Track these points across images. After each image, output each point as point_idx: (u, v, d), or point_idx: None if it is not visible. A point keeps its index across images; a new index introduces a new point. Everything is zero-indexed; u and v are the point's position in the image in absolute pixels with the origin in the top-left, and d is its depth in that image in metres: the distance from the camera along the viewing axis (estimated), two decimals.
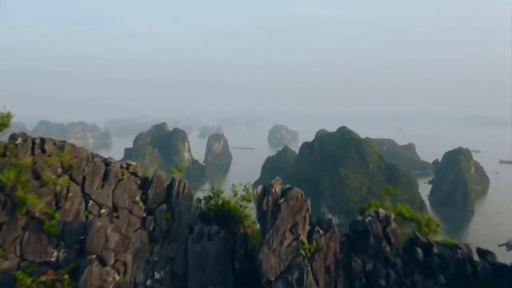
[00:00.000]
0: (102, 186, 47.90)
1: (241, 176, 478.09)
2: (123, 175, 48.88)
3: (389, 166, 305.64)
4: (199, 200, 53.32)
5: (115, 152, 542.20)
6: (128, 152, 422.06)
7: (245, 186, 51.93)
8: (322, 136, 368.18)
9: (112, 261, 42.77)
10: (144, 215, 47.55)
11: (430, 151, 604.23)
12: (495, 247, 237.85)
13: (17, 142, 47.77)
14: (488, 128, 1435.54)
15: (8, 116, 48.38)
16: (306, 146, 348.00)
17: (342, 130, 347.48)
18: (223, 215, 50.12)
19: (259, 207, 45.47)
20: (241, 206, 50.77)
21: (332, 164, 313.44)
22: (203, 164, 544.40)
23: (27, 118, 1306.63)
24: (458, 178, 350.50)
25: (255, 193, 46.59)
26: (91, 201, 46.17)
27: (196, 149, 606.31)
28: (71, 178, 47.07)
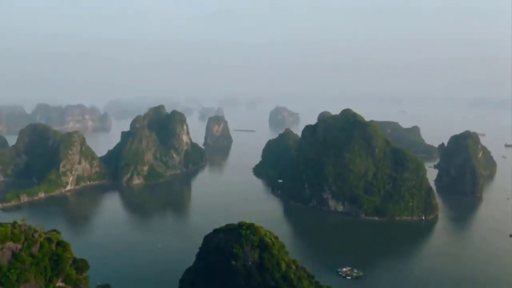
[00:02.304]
0: None
1: (242, 160, 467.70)
2: None
3: (395, 151, 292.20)
4: None
5: (114, 135, 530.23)
6: (125, 136, 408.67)
7: None
8: (325, 118, 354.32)
9: None
10: None
11: (435, 134, 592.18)
12: (506, 237, 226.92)
13: None
14: (490, 110, 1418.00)
15: None
16: (308, 129, 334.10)
17: (346, 113, 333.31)
18: None
19: None
20: None
21: (336, 148, 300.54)
22: (203, 147, 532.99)
23: (26, 102, 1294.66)
24: (466, 163, 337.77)
25: None
26: None
27: (197, 132, 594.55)
28: None
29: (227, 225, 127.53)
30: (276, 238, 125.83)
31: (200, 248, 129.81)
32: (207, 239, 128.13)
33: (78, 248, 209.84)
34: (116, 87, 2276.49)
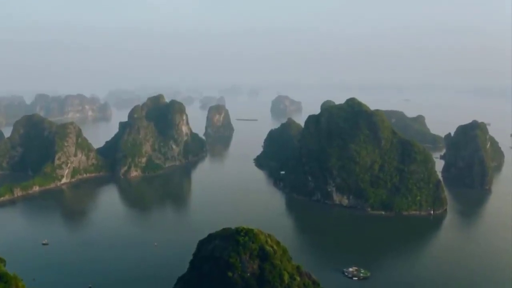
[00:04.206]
0: None
1: (243, 150, 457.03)
2: None
3: (403, 142, 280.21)
4: None
5: (114, 125, 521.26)
6: (122, 126, 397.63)
7: None
8: (329, 108, 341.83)
9: None
10: None
11: (440, 123, 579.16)
12: None
13: None
14: (492, 99, 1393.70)
15: None
16: (311, 119, 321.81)
17: (351, 102, 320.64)
18: None
19: None
20: None
21: (340, 139, 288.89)
22: (203, 137, 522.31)
23: (26, 92, 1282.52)
24: (474, 155, 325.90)
25: None
26: None
27: (197, 121, 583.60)
28: None
29: (223, 229, 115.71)
30: (278, 243, 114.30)
31: (193, 255, 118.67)
32: (201, 245, 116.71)
33: (72, 245, 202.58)
34: (116, 77, 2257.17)
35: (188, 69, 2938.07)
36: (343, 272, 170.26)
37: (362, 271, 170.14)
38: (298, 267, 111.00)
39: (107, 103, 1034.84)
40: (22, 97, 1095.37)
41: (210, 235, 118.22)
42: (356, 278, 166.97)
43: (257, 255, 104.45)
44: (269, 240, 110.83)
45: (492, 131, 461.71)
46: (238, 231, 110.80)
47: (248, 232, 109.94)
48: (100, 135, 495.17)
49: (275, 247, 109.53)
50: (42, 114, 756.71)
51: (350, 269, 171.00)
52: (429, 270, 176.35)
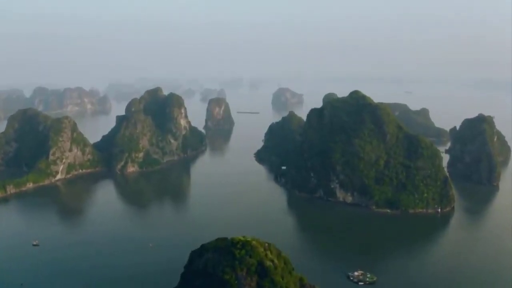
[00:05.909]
0: None
1: (244, 144, 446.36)
2: None
3: (409, 137, 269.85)
4: None
5: (113, 118, 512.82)
6: (119, 120, 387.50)
7: None
8: (332, 101, 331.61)
9: None
10: None
11: (444, 116, 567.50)
12: None
13: None
14: (492, 92, 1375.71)
15: None
16: (314, 112, 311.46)
17: (355, 95, 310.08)
18: None
19: None
20: None
21: (344, 134, 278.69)
22: (203, 130, 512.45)
23: (25, 86, 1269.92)
24: (481, 150, 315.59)
25: None
26: None
27: (198, 114, 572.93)
28: None
29: (217, 239, 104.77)
30: (279, 254, 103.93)
31: (185, 267, 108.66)
32: (194, 256, 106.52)
33: (64, 246, 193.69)
34: (116, 70, 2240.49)
35: (189, 61, 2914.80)
36: (348, 277, 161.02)
37: (368, 275, 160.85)
38: (301, 279, 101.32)
39: (106, 96, 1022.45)
40: (22, 90, 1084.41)
41: (202, 246, 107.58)
42: (362, 283, 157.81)
43: (255, 271, 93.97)
44: (268, 253, 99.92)
45: (497, 124, 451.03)
46: (233, 243, 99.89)
47: (245, 245, 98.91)
48: (99, 129, 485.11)
49: (275, 260, 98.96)
50: (41, 107, 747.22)
51: (356, 273, 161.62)
52: (438, 273, 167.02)
